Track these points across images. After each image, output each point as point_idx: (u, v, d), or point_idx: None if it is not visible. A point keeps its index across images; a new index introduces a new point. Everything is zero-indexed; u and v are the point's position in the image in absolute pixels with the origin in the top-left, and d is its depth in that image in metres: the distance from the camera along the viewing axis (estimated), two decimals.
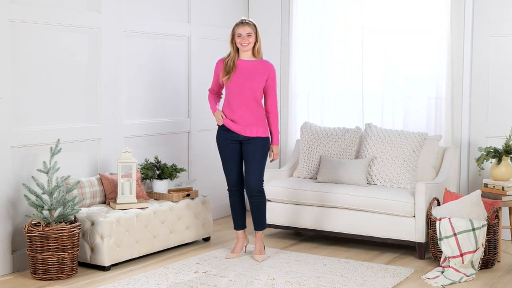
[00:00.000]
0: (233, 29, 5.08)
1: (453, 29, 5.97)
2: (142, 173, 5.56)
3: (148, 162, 5.66)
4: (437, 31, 6.04)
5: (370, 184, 5.74)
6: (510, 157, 5.37)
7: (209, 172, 6.60)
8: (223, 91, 5.27)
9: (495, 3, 5.86)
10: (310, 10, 6.64)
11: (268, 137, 5.15)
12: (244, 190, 5.21)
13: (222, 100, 5.33)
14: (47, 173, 4.75)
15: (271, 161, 5.26)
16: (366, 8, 6.35)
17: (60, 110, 5.18)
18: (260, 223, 5.23)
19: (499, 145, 5.62)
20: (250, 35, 5.03)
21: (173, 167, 5.66)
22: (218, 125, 5.17)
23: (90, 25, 5.33)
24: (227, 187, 5.25)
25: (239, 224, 5.27)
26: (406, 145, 5.66)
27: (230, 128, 5.09)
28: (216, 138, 5.20)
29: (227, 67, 5.07)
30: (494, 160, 5.45)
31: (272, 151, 5.18)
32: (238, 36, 5.04)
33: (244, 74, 5.04)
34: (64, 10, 5.14)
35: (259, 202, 5.17)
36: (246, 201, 5.46)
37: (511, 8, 5.82)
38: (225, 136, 5.13)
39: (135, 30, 5.76)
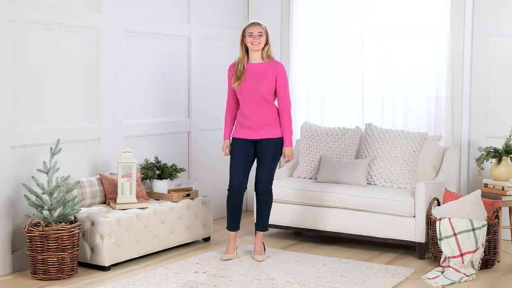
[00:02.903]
0: (244, 29, 5.07)
1: (453, 29, 5.97)
2: (142, 173, 5.56)
3: (148, 162, 5.66)
4: (437, 31, 6.04)
5: (370, 184, 5.74)
6: (510, 157, 5.37)
7: (209, 172, 6.60)
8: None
9: (495, 3, 5.86)
10: (310, 10, 6.64)
11: (281, 138, 5.12)
12: (253, 190, 5.22)
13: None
14: (47, 173, 4.75)
15: (285, 162, 5.22)
16: (366, 8, 6.34)
17: (60, 110, 5.18)
18: (263, 224, 5.22)
19: (499, 145, 5.62)
20: (261, 35, 5.02)
21: (173, 167, 5.65)
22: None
23: (90, 25, 5.33)
24: (228, 187, 5.19)
25: (234, 226, 5.24)
26: (406, 145, 5.66)
27: (243, 137, 5.11)
28: (231, 139, 5.21)
29: (238, 71, 5.06)
30: (494, 160, 5.45)
31: (284, 153, 5.12)
32: (250, 35, 5.02)
33: (254, 78, 5.03)
34: (64, 10, 5.14)
35: (266, 201, 5.18)
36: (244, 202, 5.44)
37: (511, 8, 5.82)
38: (239, 138, 5.15)
39: (135, 30, 5.76)
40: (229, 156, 5.21)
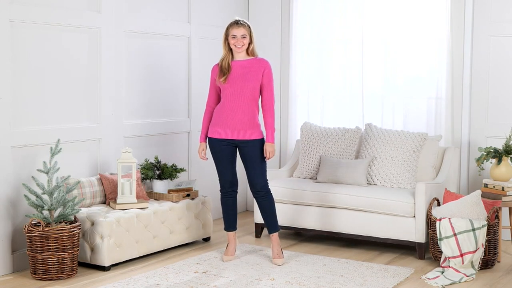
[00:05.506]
0: (227, 29, 5.00)
1: (453, 29, 5.97)
2: (142, 173, 5.56)
3: (148, 162, 5.66)
4: (437, 31, 6.04)
5: (370, 184, 5.74)
6: (510, 157, 5.37)
7: (209, 172, 6.59)
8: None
9: (495, 3, 5.86)
10: (310, 10, 6.64)
11: (263, 138, 5.09)
12: (245, 192, 5.18)
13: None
14: (47, 173, 4.75)
15: (266, 159, 5.10)
16: (366, 8, 6.34)
17: (60, 110, 5.18)
18: (273, 225, 5.14)
19: (499, 145, 5.62)
20: (244, 37, 4.97)
21: (173, 167, 5.66)
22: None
23: (90, 25, 5.33)
24: (220, 188, 5.19)
25: (231, 226, 5.23)
26: (406, 145, 5.66)
27: (223, 138, 5.03)
28: (209, 140, 5.11)
29: (223, 68, 5.00)
30: (494, 160, 5.45)
31: (265, 149, 5.06)
32: (233, 37, 4.96)
33: (240, 75, 4.98)
34: (64, 10, 5.14)
35: (268, 202, 5.12)
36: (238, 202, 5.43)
37: (511, 8, 5.82)
38: (219, 138, 5.06)
39: (135, 30, 5.76)
40: (210, 157, 5.13)
